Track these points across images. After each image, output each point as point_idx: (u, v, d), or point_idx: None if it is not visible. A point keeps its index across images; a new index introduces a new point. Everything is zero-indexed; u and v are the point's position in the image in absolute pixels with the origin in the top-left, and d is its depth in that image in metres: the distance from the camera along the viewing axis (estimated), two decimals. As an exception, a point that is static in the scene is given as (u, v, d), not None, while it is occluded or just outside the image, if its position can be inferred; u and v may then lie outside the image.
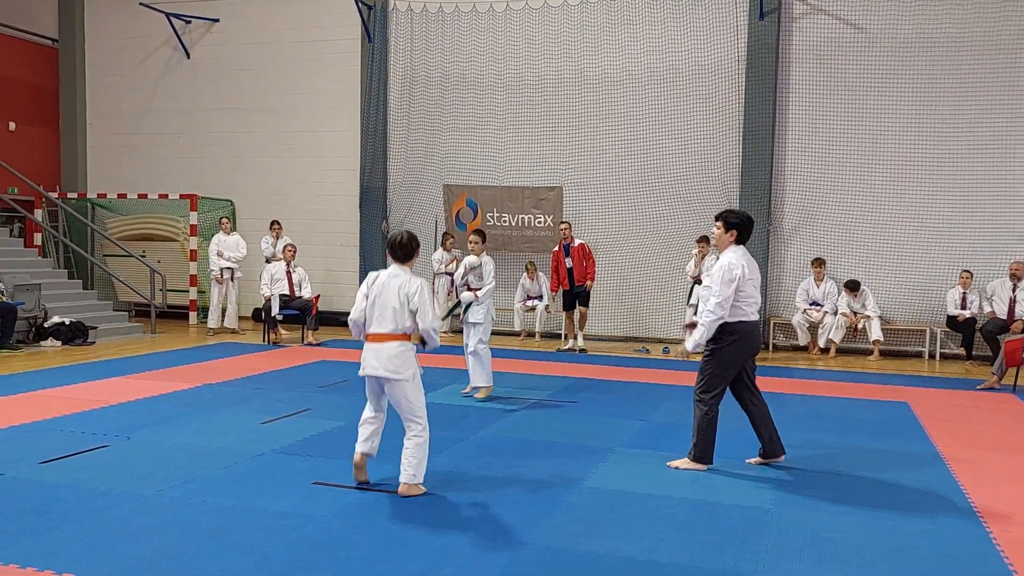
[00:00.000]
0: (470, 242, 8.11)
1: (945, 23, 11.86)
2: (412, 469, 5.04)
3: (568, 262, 11.85)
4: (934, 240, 12.04)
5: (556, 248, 12.11)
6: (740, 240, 5.72)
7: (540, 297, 13.10)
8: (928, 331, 12.08)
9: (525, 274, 13.17)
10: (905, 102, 12.05)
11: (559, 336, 12.76)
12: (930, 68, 11.94)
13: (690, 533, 4.53)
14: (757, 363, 10.35)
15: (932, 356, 12.06)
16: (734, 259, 5.61)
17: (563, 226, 12.09)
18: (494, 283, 8.02)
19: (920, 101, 12.00)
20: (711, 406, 5.70)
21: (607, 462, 5.89)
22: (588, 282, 11.85)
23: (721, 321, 5.54)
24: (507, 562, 4.08)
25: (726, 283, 5.52)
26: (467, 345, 8.10)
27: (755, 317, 5.69)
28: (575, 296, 11.97)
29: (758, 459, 5.95)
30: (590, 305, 12.25)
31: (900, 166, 12.13)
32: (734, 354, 5.64)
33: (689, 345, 5.73)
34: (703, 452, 5.75)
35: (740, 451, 6.29)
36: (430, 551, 4.18)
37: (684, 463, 5.78)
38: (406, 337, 5.04)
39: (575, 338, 12.09)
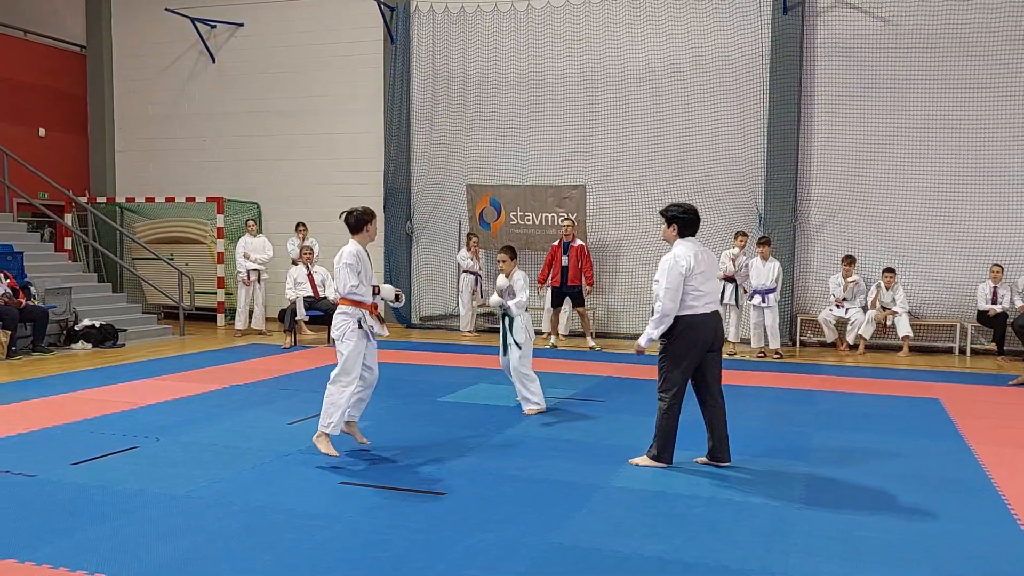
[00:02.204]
0: (499, 261, 7.56)
1: (973, 13, 11.67)
2: (322, 416, 5.70)
3: (564, 260, 11.86)
4: (964, 234, 11.85)
5: (556, 243, 12.12)
6: (684, 233, 5.63)
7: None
8: (959, 326, 11.90)
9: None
10: (933, 95, 11.87)
11: (580, 335, 12.61)
12: (959, 59, 11.75)
13: (718, 532, 4.50)
14: (786, 359, 10.17)
15: (963, 352, 11.88)
16: (680, 251, 5.53)
17: (566, 223, 12.10)
18: (525, 296, 7.34)
19: (949, 93, 11.82)
20: (670, 403, 5.58)
21: (634, 457, 5.84)
22: (587, 286, 12.01)
23: (670, 314, 5.44)
24: (533, 562, 4.08)
25: (672, 275, 5.44)
26: (510, 361, 7.41)
27: (707, 310, 5.57)
28: (565, 295, 12.00)
29: (705, 459, 5.80)
30: (615, 303, 12.23)
31: (929, 160, 11.95)
32: (685, 348, 5.50)
33: (642, 340, 5.55)
34: (662, 450, 5.63)
35: (766, 450, 6.24)
36: (456, 550, 4.18)
37: (643, 460, 5.70)
38: (345, 301, 5.68)
39: (557, 335, 12.18)
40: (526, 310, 7.42)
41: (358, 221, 5.80)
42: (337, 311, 5.74)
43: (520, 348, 7.31)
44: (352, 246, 5.72)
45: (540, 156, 13.61)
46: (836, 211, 12.43)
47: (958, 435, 6.85)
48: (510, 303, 7.31)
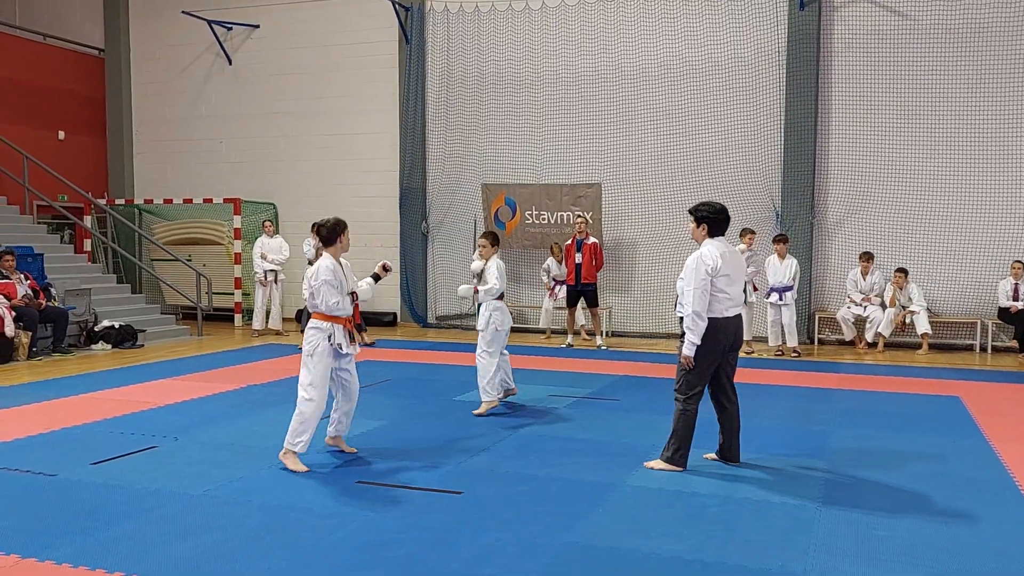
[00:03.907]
0: (479, 245, 7.52)
1: (993, 8, 11.53)
2: (288, 435, 5.57)
3: (578, 257, 11.81)
4: (984, 230, 11.72)
5: (568, 242, 12.08)
6: (714, 232, 5.53)
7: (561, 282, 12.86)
8: (979, 323, 11.77)
9: (551, 257, 12.79)
10: (953, 90, 11.75)
11: (591, 333, 12.55)
12: (977, 54, 11.61)
13: (736, 532, 4.47)
14: (804, 358, 10.13)
15: (984, 349, 11.75)
16: (707, 251, 5.44)
17: (579, 220, 12.03)
18: (496, 284, 7.26)
19: (968, 88, 11.68)
20: (688, 406, 5.49)
21: (650, 460, 5.82)
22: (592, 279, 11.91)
23: (702, 314, 5.32)
24: (549, 561, 4.06)
25: (698, 274, 5.34)
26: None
27: (730, 314, 5.50)
28: (580, 293, 11.94)
29: (714, 455, 5.78)
30: (631, 302, 12.19)
31: (948, 155, 11.83)
32: (706, 351, 5.41)
33: (687, 350, 5.41)
34: (676, 452, 5.52)
35: (784, 449, 6.20)
36: (472, 550, 4.18)
37: (658, 464, 5.59)
38: (319, 316, 5.65)
39: (576, 334, 12.22)
40: (500, 298, 7.37)
41: (331, 233, 5.73)
42: (309, 325, 5.65)
43: (484, 336, 7.30)
44: (327, 260, 5.66)
45: (555, 155, 13.59)
46: (854, 208, 12.33)
47: (979, 433, 6.78)
48: (481, 288, 7.31)
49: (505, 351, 7.58)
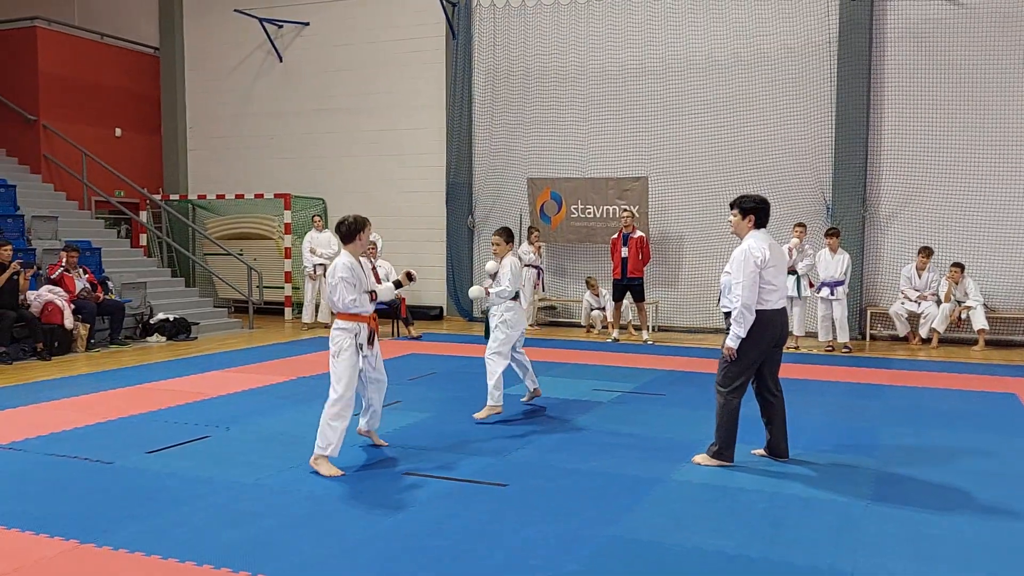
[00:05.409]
0: (492, 243, 7.13)
1: (1056, -7, 11.18)
2: (318, 440, 5.40)
3: (624, 251, 11.73)
4: (1045, 224, 11.38)
5: (615, 236, 12.02)
6: (760, 224, 5.51)
7: (603, 309, 12.91)
8: (1040, 320, 11.43)
9: (588, 291, 12.94)
10: (1009, 79, 11.39)
11: (637, 328, 12.51)
12: (1039, 42, 11.27)
13: (783, 528, 4.42)
14: (855, 353, 9.97)
15: (1044, 346, 11.42)
16: (754, 243, 5.40)
17: (625, 214, 11.96)
18: (508, 287, 6.88)
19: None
20: (730, 399, 5.44)
21: (696, 455, 5.78)
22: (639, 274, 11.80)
23: (751, 307, 5.28)
24: (592, 554, 4.07)
25: (747, 267, 5.30)
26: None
27: (777, 306, 5.44)
28: (626, 288, 11.84)
29: (762, 451, 5.72)
30: (677, 296, 12.09)
31: (1004, 147, 11.47)
32: (752, 345, 5.35)
33: (731, 342, 5.34)
34: (724, 448, 5.50)
35: (834, 445, 6.10)
36: (516, 542, 4.20)
37: (704, 459, 5.56)
38: (343, 317, 5.52)
39: (620, 329, 12.16)
40: (515, 298, 6.99)
41: (350, 230, 5.59)
42: (334, 326, 5.53)
43: (495, 335, 6.91)
44: (345, 258, 5.54)
45: (601, 148, 13.53)
46: (907, 201, 12.04)
47: (1038, 432, 6.59)
48: (492, 291, 6.93)
49: (522, 350, 7.21)
